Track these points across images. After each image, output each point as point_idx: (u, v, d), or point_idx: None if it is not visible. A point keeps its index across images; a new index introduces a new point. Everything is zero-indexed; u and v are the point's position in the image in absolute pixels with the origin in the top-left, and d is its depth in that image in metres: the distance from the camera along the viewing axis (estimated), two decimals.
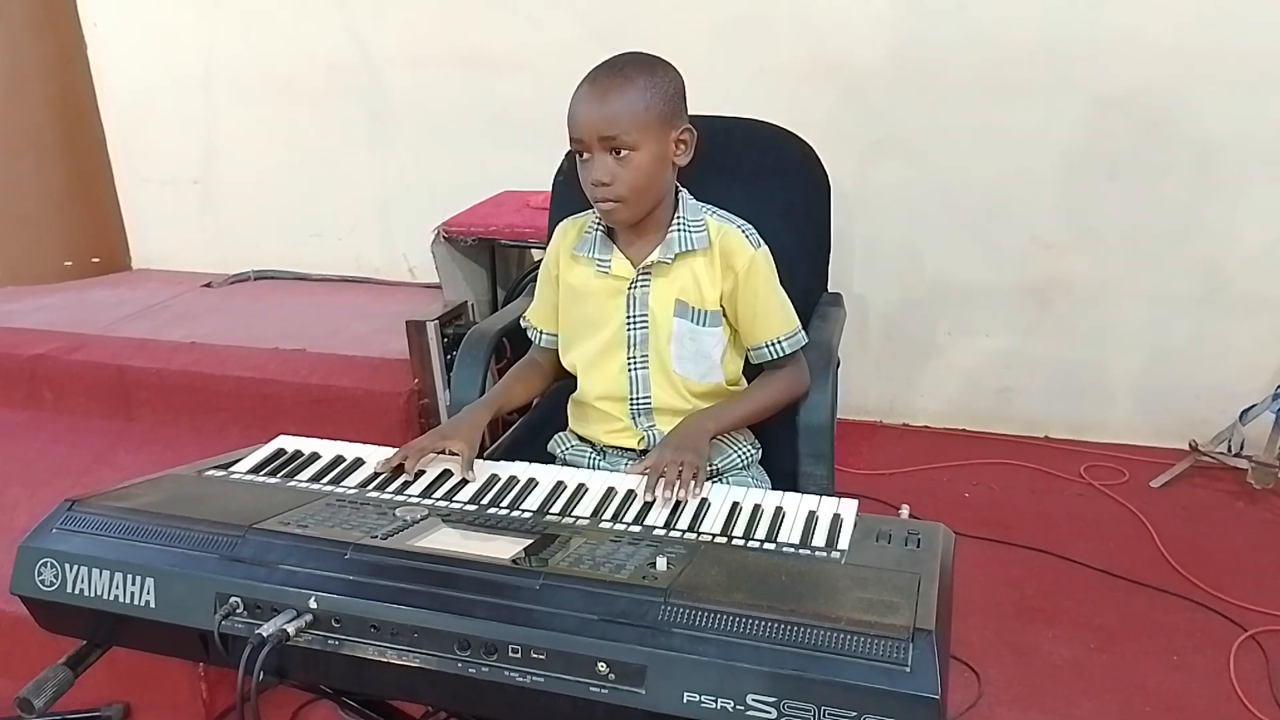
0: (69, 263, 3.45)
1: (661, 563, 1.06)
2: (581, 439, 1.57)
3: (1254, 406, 2.46)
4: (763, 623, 0.95)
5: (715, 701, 0.92)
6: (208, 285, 3.34)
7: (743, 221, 1.50)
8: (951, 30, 2.57)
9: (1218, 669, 1.88)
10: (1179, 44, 2.44)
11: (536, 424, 1.72)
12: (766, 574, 1.08)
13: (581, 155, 1.39)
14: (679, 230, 1.46)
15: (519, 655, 0.97)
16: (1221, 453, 2.52)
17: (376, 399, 2.47)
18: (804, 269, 1.84)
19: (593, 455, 1.55)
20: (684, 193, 1.50)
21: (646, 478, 1.28)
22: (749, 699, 0.91)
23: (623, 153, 1.36)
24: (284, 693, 1.75)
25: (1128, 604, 2.09)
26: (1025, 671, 1.89)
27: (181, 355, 2.73)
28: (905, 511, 1.33)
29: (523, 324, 1.65)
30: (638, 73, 1.36)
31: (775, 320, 1.49)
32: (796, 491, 1.43)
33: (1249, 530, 2.36)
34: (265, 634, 0.99)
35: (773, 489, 1.54)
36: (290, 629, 1.00)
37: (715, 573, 1.07)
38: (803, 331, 1.52)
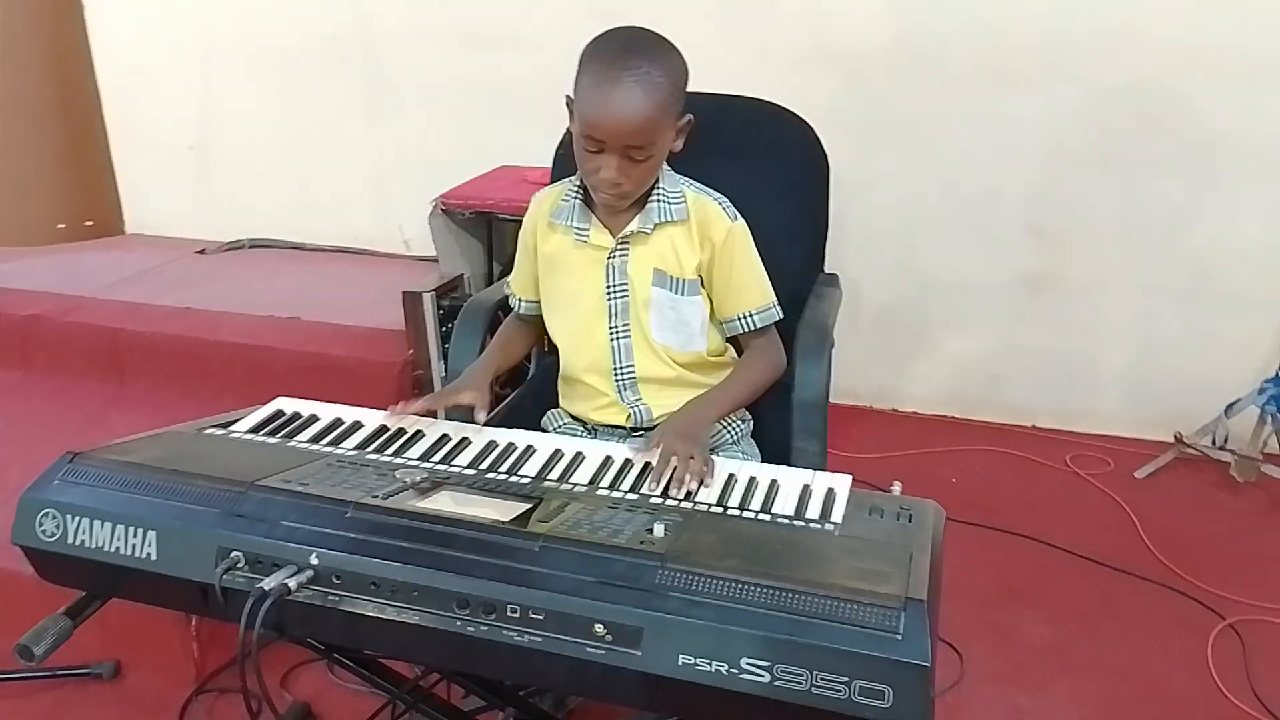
0: (62, 225, 3.43)
1: (659, 529, 1.07)
2: (573, 417, 1.58)
3: (1239, 400, 2.49)
4: (757, 588, 0.96)
5: (710, 664, 0.94)
6: (201, 252, 3.33)
7: (719, 194, 1.52)
8: (952, 18, 2.57)
9: (1196, 655, 1.92)
10: (1178, 38, 2.45)
11: (530, 398, 1.74)
12: (761, 542, 1.10)
13: (591, 148, 1.37)
14: (658, 201, 1.47)
15: (517, 615, 0.99)
16: (1206, 445, 2.55)
17: (371, 368, 2.48)
18: (800, 249, 1.85)
19: (583, 433, 1.56)
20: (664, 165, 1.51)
21: (656, 466, 1.25)
22: (743, 662, 0.93)
23: (640, 153, 1.36)
24: (275, 654, 1.76)
25: (1109, 590, 2.12)
26: (1006, 651, 1.93)
27: (175, 320, 2.73)
28: (898, 488, 1.35)
29: (505, 290, 1.67)
30: (659, 70, 1.34)
31: (749, 293, 1.51)
32: (788, 466, 1.46)
33: (1231, 521, 2.39)
34: (267, 588, 1.00)
35: (763, 463, 1.57)
36: (291, 584, 1.01)
37: (710, 540, 1.09)
38: (777, 307, 1.54)
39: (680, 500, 1.20)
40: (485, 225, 2.74)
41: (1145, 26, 2.46)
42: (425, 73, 3.04)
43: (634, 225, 1.47)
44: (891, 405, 2.98)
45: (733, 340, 1.59)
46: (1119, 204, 2.61)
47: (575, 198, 1.51)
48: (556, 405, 1.63)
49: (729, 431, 1.53)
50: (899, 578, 1.00)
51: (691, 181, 1.53)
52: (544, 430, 1.60)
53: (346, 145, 3.20)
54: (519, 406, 1.73)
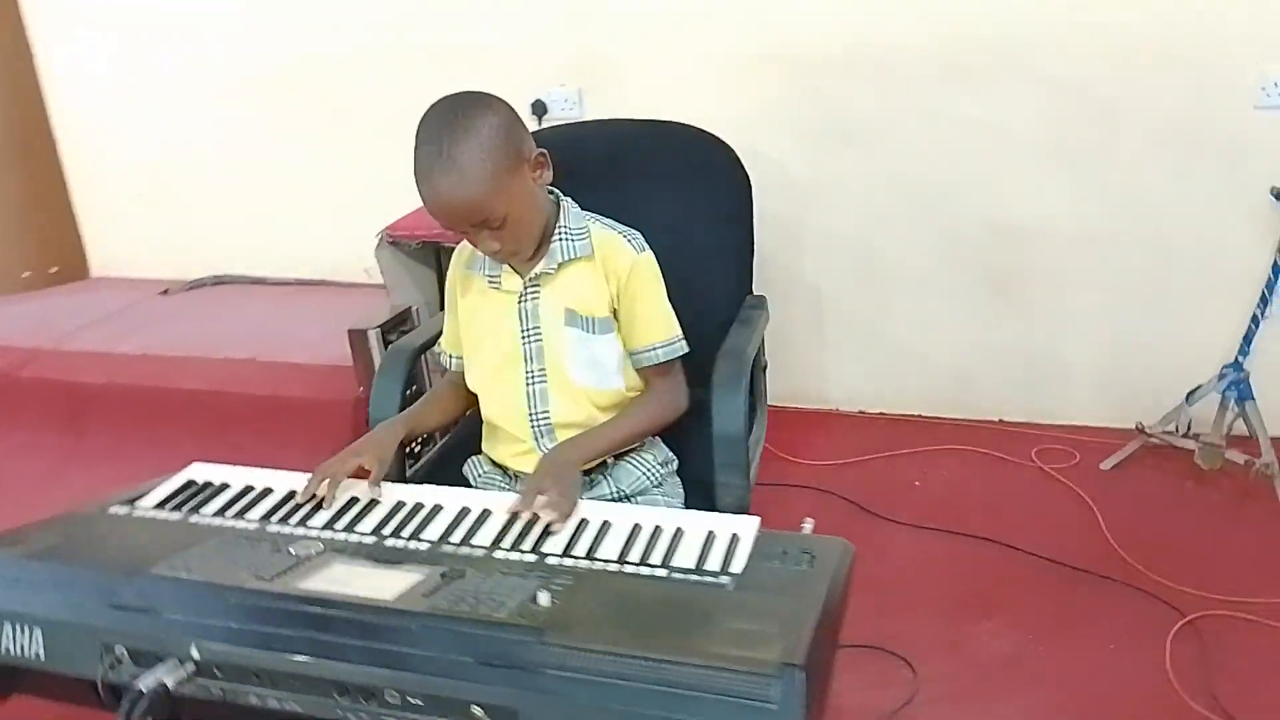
0: (27, 273, 3.44)
1: (544, 597, 1.06)
2: (494, 464, 1.57)
3: (1200, 387, 2.46)
4: (633, 661, 0.95)
5: None
6: (164, 292, 3.33)
7: (626, 228, 1.51)
8: (904, 19, 2.54)
9: (1155, 657, 1.89)
10: (1127, 31, 2.41)
11: (454, 447, 1.72)
12: (648, 605, 1.09)
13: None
14: (560, 240, 1.46)
15: (397, 701, 0.98)
16: (1170, 433, 2.52)
17: (323, 408, 2.48)
18: (728, 272, 1.85)
19: (503, 481, 1.55)
20: (566, 201, 1.50)
21: (519, 508, 1.28)
22: None
23: (495, 219, 1.34)
24: None
25: (1070, 593, 2.09)
26: (962, 666, 1.90)
27: (133, 368, 2.74)
28: (809, 526, 1.33)
29: (436, 350, 1.65)
30: (466, 147, 1.29)
31: (655, 326, 1.50)
32: (712, 502, 1.45)
33: (1194, 512, 2.36)
34: (143, 687, 0.99)
35: (686, 500, 1.56)
36: (170, 681, 1.00)
37: (596, 606, 1.08)
38: (682, 341, 1.53)
39: (572, 557, 1.19)
40: (434, 254, 2.73)
41: (1096, 20, 2.42)
42: (379, 100, 3.01)
43: (540, 267, 1.46)
44: (859, 408, 2.96)
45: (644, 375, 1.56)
46: (1076, 199, 2.58)
47: None
48: (479, 452, 1.61)
49: (648, 478, 1.51)
50: (780, 640, 0.98)
51: (598, 218, 1.52)
52: (465, 478, 1.59)
53: (304, 176, 3.19)
54: (444, 456, 1.72)
